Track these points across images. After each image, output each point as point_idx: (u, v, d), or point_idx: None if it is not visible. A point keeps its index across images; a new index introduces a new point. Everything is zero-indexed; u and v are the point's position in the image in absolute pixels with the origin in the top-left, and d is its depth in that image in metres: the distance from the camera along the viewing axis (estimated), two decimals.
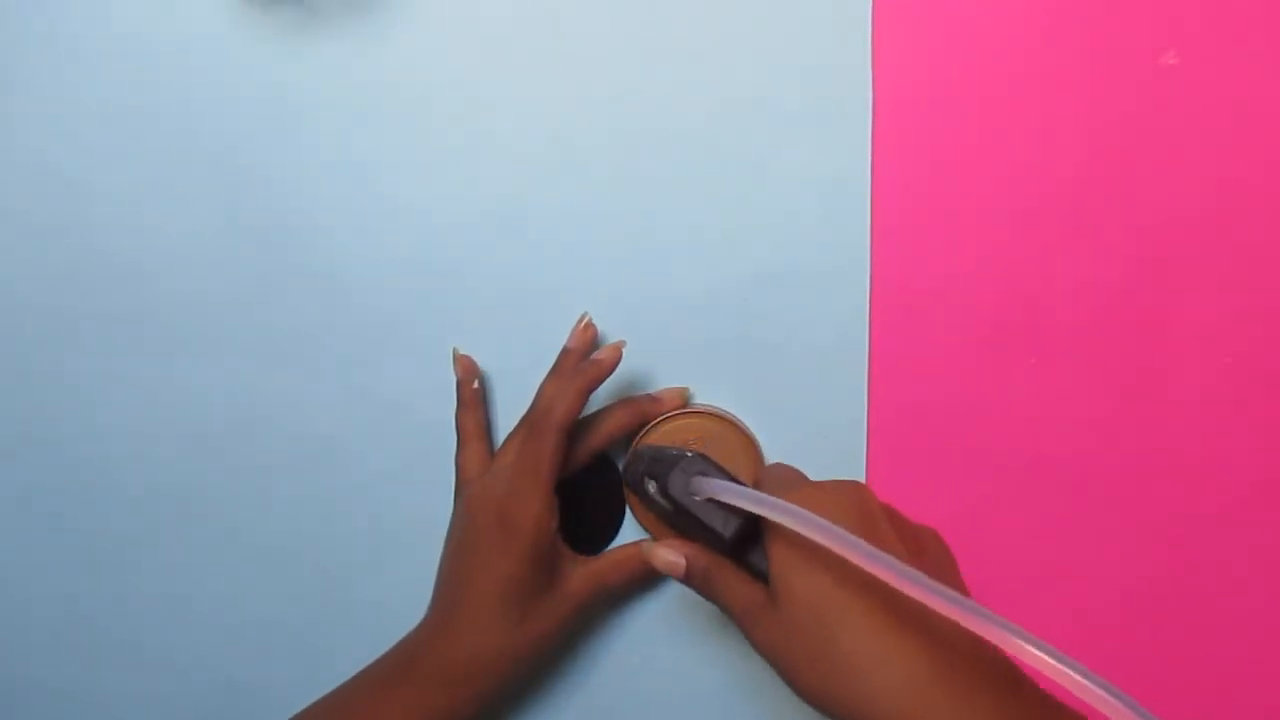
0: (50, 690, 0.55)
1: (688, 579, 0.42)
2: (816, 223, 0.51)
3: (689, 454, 0.41)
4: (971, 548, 0.51)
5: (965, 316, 0.51)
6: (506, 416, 0.52)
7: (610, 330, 0.51)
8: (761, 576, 0.40)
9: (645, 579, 0.51)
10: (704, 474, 0.40)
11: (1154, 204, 0.50)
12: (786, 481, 0.40)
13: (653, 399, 0.50)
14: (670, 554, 0.42)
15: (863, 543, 0.34)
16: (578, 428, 0.48)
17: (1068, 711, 0.36)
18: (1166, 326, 0.50)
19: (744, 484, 0.40)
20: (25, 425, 0.54)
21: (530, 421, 0.47)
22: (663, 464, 0.42)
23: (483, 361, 0.52)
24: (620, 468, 0.51)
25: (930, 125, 0.50)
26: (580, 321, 0.50)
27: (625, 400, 0.50)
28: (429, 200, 0.52)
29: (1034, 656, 0.31)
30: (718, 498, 0.39)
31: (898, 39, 0.50)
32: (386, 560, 0.53)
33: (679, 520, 0.42)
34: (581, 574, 0.48)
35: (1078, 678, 0.30)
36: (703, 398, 0.51)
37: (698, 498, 0.40)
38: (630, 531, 0.52)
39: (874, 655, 0.35)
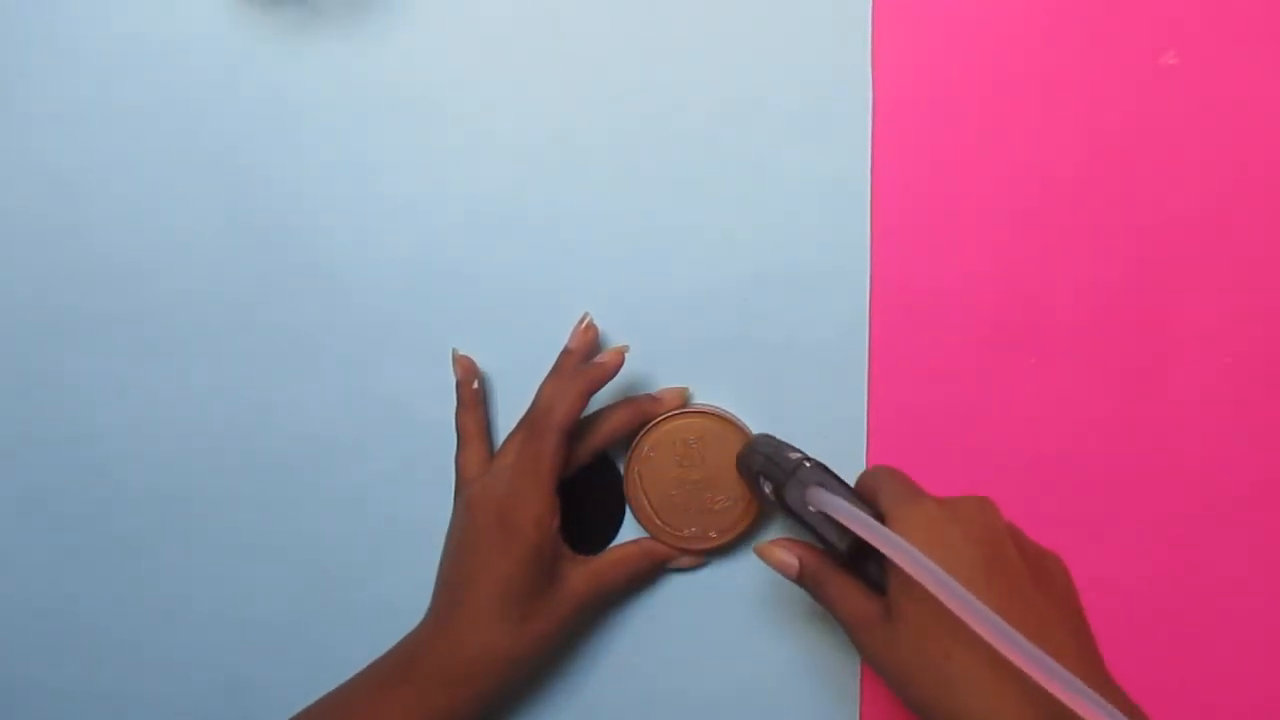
0: (50, 690, 0.55)
1: (799, 579, 0.42)
2: (816, 223, 0.51)
3: (808, 463, 0.41)
4: None
5: (965, 316, 0.51)
6: (506, 416, 0.52)
7: (610, 330, 0.52)
8: (875, 586, 0.40)
9: (646, 577, 0.51)
10: (822, 485, 0.40)
11: (1154, 204, 0.50)
12: (906, 495, 0.40)
13: (653, 399, 0.50)
14: (785, 554, 0.42)
15: (975, 602, 0.33)
16: (578, 427, 0.48)
17: None
18: (1166, 326, 0.50)
19: (862, 503, 0.40)
20: (25, 425, 0.54)
21: (530, 422, 0.47)
22: (780, 468, 0.42)
23: (483, 361, 0.52)
24: (620, 468, 0.51)
25: (930, 125, 0.50)
26: (581, 322, 0.50)
27: (626, 400, 0.50)
28: (429, 200, 0.52)
29: None
30: (834, 516, 0.39)
31: (898, 39, 0.50)
32: (386, 560, 0.53)
33: (789, 519, 0.42)
34: (582, 573, 0.48)
35: None
36: (703, 398, 0.51)
37: (813, 509, 0.40)
38: (630, 531, 0.52)
39: (985, 681, 0.35)
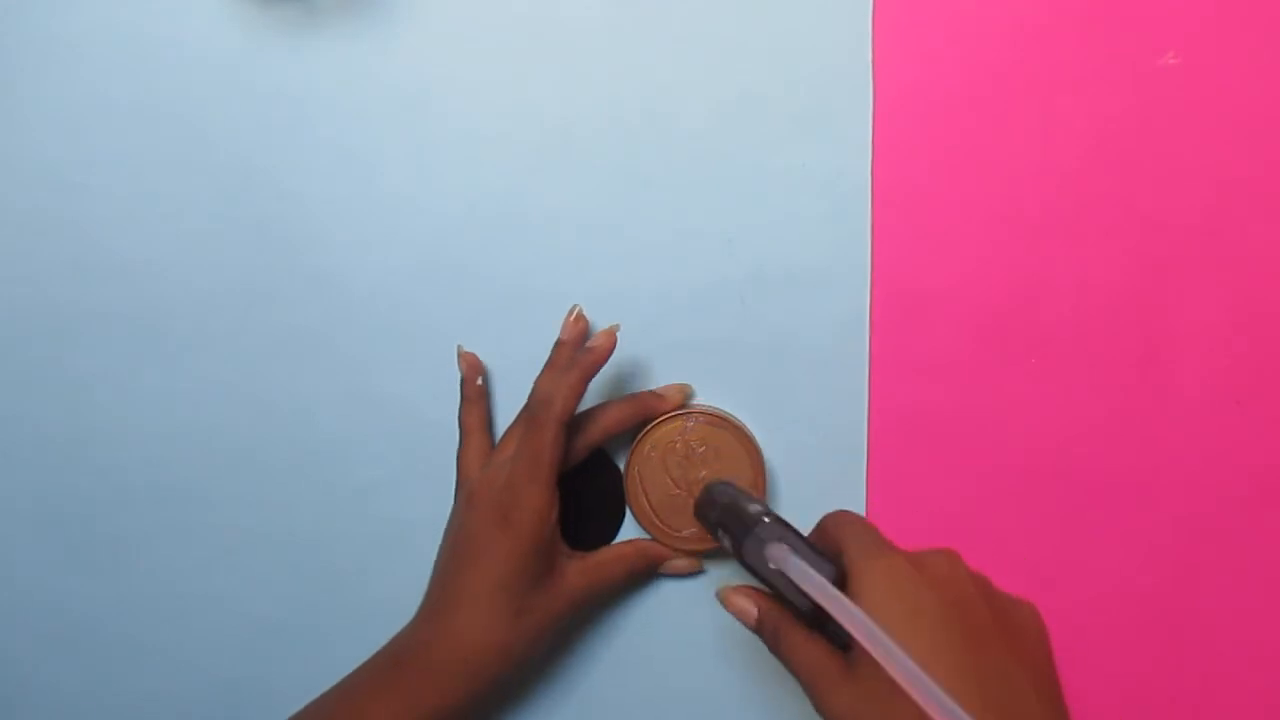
0: (50, 690, 0.55)
1: (758, 629, 0.41)
2: (817, 222, 0.51)
3: (766, 519, 0.39)
4: (972, 548, 0.51)
5: (966, 316, 0.51)
6: (507, 413, 0.52)
7: None
8: (836, 641, 0.38)
9: (642, 576, 0.51)
10: (782, 541, 0.38)
11: (1154, 204, 0.50)
12: (872, 549, 0.38)
13: (657, 396, 0.50)
14: (745, 601, 0.41)
15: (937, 691, 0.32)
16: (577, 421, 0.48)
17: None
18: (1167, 326, 0.50)
19: (823, 559, 0.38)
20: (25, 425, 0.54)
21: (529, 415, 0.47)
22: (738, 520, 0.40)
23: (483, 360, 0.52)
24: (620, 467, 0.51)
25: (931, 124, 0.50)
26: (571, 313, 0.50)
27: (629, 396, 0.50)
28: (429, 199, 0.52)
29: None
30: (792, 579, 0.37)
31: (898, 39, 0.50)
32: (387, 560, 0.53)
33: (747, 571, 0.40)
34: (578, 569, 0.48)
35: None
36: (703, 397, 0.51)
37: (773, 566, 0.38)
38: (630, 531, 0.52)
39: None
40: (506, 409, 0.52)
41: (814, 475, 0.51)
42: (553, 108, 0.51)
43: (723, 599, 0.42)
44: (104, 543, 0.54)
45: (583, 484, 0.51)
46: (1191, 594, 0.50)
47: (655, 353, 0.52)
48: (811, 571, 0.37)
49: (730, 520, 0.41)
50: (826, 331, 0.51)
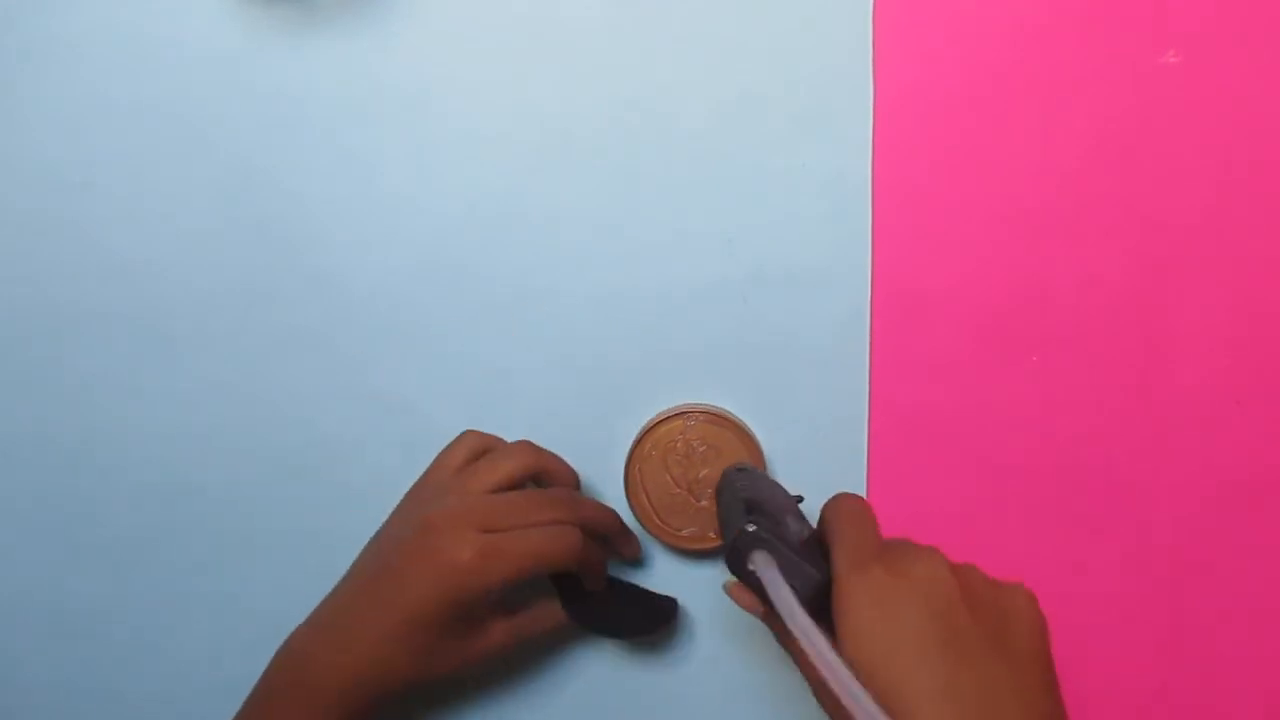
0: (50, 690, 0.55)
1: (766, 620, 0.41)
2: (817, 222, 0.51)
3: (749, 528, 0.38)
4: (972, 548, 0.51)
5: (966, 316, 0.51)
6: (508, 417, 0.52)
7: (610, 330, 0.51)
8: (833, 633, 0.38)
9: (558, 631, 0.50)
10: (766, 550, 0.38)
11: (1154, 203, 0.50)
12: (856, 560, 0.38)
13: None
14: (748, 597, 0.41)
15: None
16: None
17: None
18: (1168, 324, 0.50)
19: (810, 569, 0.38)
20: (26, 425, 0.54)
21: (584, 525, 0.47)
22: (727, 525, 0.40)
23: (483, 361, 0.52)
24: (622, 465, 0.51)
25: (931, 124, 0.50)
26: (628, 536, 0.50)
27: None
28: (429, 199, 0.52)
29: None
30: (766, 594, 0.37)
31: (898, 39, 0.50)
32: None
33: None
34: (504, 628, 0.47)
35: None
36: (703, 398, 0.51)
37: (751, 568, 0.38)
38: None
39: None
40: (508, 410, 0.52)
41: (814, 474, 0.51)
42: (553, 108, 0.51)
43: (729, 590, 0.42)
44: (104, 543, 0.54)
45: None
46: (1191, 594, 0.50)
47: (655, 353, 0.52)
48: (786, 595, 0.36)
49: (721, 522, 0.42)
50: (827, 331, 0.51)
